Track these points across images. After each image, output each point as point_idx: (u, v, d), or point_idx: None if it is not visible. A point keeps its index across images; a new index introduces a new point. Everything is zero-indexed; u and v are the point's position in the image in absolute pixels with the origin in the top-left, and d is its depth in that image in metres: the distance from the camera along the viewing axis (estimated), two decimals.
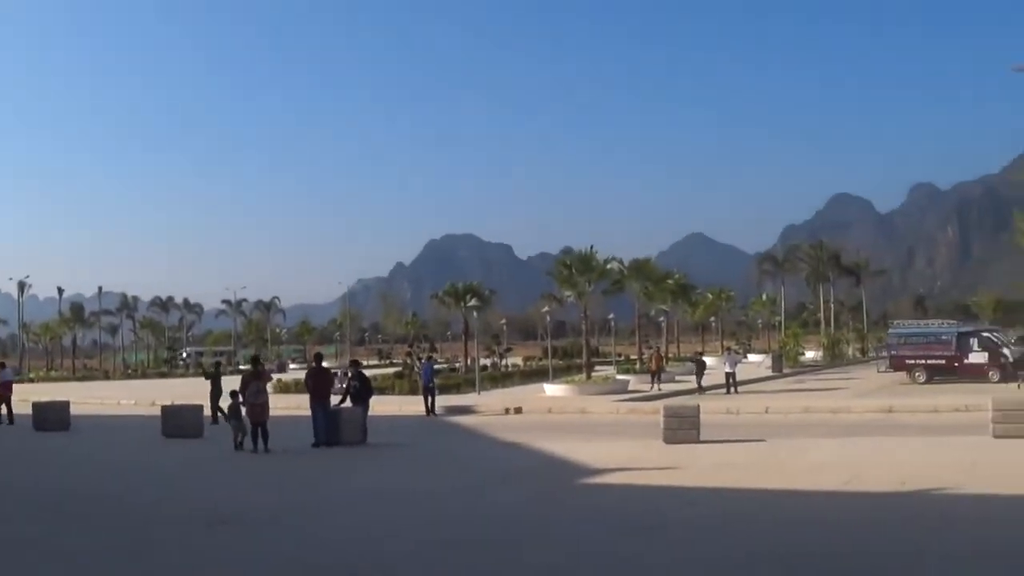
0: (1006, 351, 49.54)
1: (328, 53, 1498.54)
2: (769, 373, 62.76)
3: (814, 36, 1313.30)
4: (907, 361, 50.92)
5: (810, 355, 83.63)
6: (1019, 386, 41.91)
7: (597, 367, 62.66)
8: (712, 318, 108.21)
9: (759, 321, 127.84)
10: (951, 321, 60.15)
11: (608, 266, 55.61)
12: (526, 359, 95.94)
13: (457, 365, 74.94)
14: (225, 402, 28.67)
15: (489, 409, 39.97)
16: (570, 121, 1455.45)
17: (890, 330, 58.87)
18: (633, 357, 72.08)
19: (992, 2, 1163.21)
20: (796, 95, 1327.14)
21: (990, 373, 47.76)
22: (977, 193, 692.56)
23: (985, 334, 52.54)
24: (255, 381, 25.23)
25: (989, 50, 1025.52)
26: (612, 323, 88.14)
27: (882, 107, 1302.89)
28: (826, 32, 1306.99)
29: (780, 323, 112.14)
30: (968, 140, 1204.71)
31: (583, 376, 51.39)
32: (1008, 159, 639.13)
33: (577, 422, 34.68)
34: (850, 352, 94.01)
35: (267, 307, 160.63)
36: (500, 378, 59.24)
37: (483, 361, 65.88)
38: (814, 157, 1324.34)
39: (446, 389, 47.88)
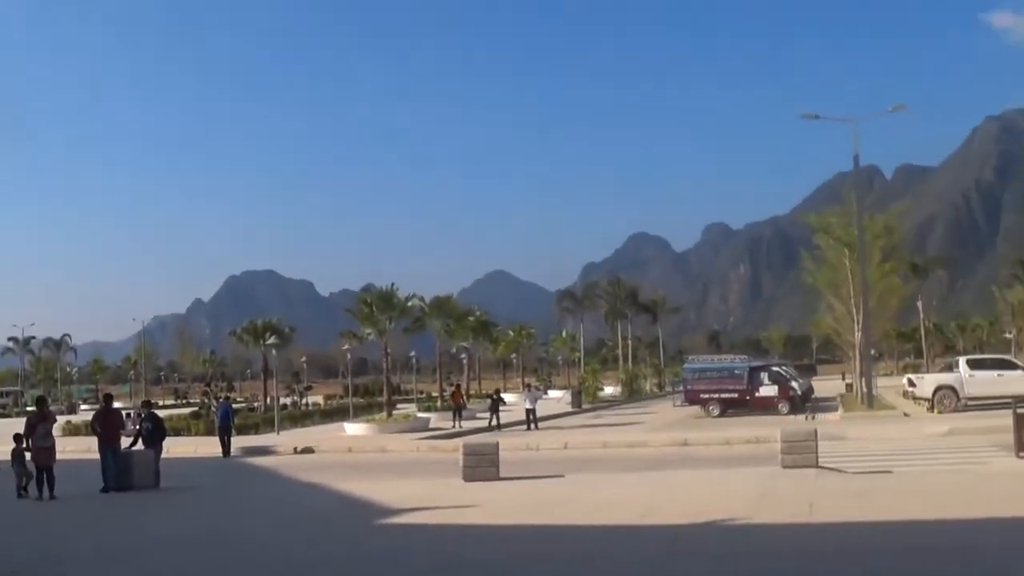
0: (794, 384, 51.65)
1: (109, 84, 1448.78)
2: (569, 409, 63.56)
3: (612, 87, 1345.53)
4: (701, 395, 52.36)
5: (609, 390, 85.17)
6: (807, 418, 43.49)
7: (399, 405, 62.55)
8: (514, 355, 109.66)
9: (560, 357, 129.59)
10: (743, 356, 62.15)
11: (409, 303, 55.63)
12: (327, 397, 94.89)
13: (256, 404, 73.52)
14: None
15: (288, 449, 39.42)
16: (373, 157, 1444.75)
17: (685, 365, 60.52)
18: (435, 394, 72.12)
19: (773, 53, 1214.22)
20: (595, 136, 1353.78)
21: (780, 405, 49.65)
22: (768, 233, 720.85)
23: (775, 368, 54.69)
24: (42, 423, 24.18)
25: (778, 98, 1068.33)
26: (414, 360, 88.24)
27: (676, 150, 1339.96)
28: (623, 83, 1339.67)
29: (580, 359, 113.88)
30: (759, 183, 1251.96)
31: (384, 414, 51.11)
32: (796, 201, 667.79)
33: (377, 461, 34.42)
34: (647, 387, 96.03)
35: (57, 345, 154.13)
36: (300, 417, 58.30)
37: (283, 400, 64.85)
38: (613, 197, 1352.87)
39: (245, 429, 47.02)
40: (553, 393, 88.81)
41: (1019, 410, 23.74)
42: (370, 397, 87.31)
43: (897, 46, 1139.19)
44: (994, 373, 44.20)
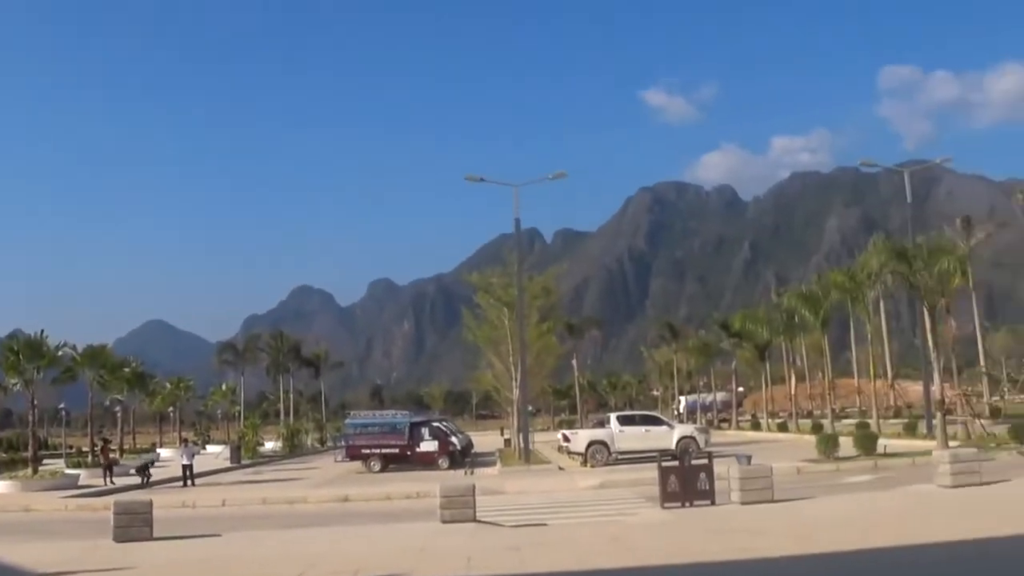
0: (454, 440, 52.66)
1: None
2: (228, 464, 62.16)
3: (275, 139, 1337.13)
4: (363, 450, 52.38)
5: (270, 446, 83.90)
6: (466, 472, 44.30)
7: (46, 460, 59.33)
8: (171, 408, 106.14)
9: (219, 411, 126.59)
10: (404, 411, 62.70)
11: (60, 352, 52.96)
12: None
13: None
14: None
15: None
16: (17, 197, 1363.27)
17: (347, 420, 60.47)
18: (86, 449, 68.88)
19: (441, 114, 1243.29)
20: (257, 186, 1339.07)
21: (440, 460, 50.50)
22: (432, 290, 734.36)
23: (435, 423, 55.56)
24: None
25: (445, 159, 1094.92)
26: (64, 413, 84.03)
27: (341, 204, 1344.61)
28: (287, 136, 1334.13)
29: (240, 413, 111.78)
30: (425, 242, 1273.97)
31: (29, 471, 48.22)
32: (461, 259, 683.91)
33: (20, 521, 32.41)
34: (309, 442, 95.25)
35: None
36: None
37: None
38: (277, 250, 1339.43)
39: None
40: (212, 448, 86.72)
41: (663, 463, 25.05)
42: (14, 452, 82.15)
43: (562, 116, 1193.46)
44: (642, 428, 46.77)
